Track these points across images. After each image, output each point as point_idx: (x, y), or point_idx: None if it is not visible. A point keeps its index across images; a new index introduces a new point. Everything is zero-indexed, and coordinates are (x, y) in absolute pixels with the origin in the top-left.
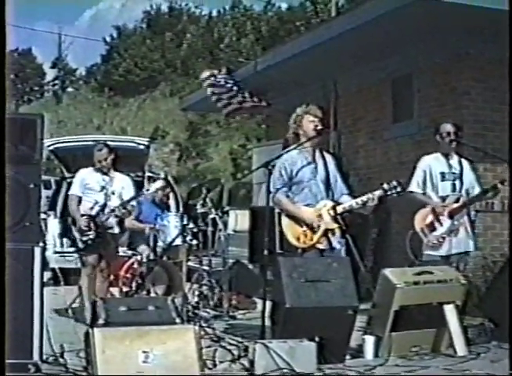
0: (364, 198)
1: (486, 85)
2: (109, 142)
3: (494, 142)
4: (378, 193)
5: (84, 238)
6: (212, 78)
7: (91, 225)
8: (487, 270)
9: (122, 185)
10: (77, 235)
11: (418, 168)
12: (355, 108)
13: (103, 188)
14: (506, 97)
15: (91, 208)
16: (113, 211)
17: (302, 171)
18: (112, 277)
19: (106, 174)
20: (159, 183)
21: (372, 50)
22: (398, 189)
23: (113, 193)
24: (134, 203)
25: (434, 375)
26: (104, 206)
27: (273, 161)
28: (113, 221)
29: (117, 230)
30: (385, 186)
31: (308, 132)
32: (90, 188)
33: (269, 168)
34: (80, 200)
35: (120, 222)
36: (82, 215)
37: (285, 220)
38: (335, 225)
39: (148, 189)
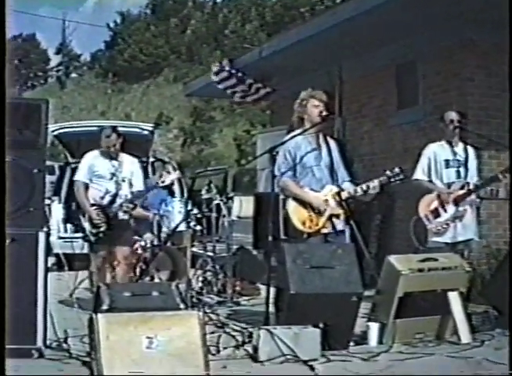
0: (368, 184)
1: (490, 72)
2: None
3: (498, 129)
4: (381, 179)
5: (96, 230)
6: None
7: (103, 217)
8: (491, 258)
9: (131, 170)
10: (87, 226)
11: (423, 156)
12: (359, 94)
13: (113, 175)
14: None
15: (102, 198)
16: (121, 206)
17: (307, 156)
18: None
19: (114, 159)
20: (174, 175)
21: (376, 36)
22: (401, 176)
23: (123, 181)
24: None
25: (437, 362)
26: (115, 196)
27: (277, 147)
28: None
29: (126, 218)
30: (388, 172)
31: (313, 117)
32: (99, 176)
33: (273, 154)
34: (87, 186)
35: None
36: (92, 205)
37: (291, 204)
38: (340, 211)
39: (163, 181)
